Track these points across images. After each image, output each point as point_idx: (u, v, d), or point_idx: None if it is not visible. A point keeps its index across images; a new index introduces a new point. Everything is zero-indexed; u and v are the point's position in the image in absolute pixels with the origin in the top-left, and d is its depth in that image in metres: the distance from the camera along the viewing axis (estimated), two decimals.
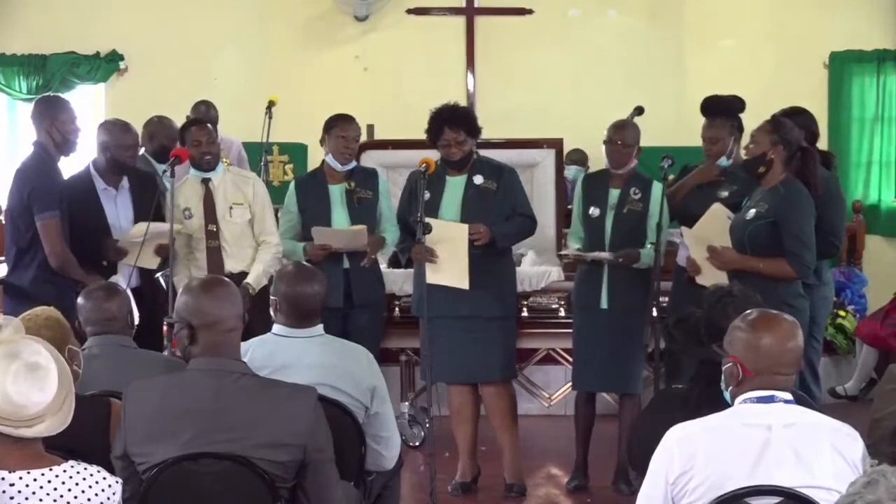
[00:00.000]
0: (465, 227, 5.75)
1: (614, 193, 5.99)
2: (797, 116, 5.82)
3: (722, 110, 5.94)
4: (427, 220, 5.48)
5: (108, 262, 5.85)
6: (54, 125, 5.66)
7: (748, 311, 3.22)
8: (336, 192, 6.07)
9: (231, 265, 6.03)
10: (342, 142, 6.02)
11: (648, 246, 5.89)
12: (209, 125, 6.20)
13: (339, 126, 6.04)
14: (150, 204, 5.72)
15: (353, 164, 6.13)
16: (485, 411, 6.10)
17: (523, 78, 9.41)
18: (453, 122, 5.88)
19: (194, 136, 6.06)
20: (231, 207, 6.07)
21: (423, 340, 5.53)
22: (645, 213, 5.95)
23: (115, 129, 5.95)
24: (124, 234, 5.85)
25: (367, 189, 6.09)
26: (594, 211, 5.99)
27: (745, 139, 5.68)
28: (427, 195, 5.79)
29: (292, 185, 6.26)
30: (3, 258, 7.55)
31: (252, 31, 9.51)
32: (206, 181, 6.09)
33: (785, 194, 5.34)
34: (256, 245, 6.10)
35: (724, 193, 5.86)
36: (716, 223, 5.58)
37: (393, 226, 6.09)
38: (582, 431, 6.15)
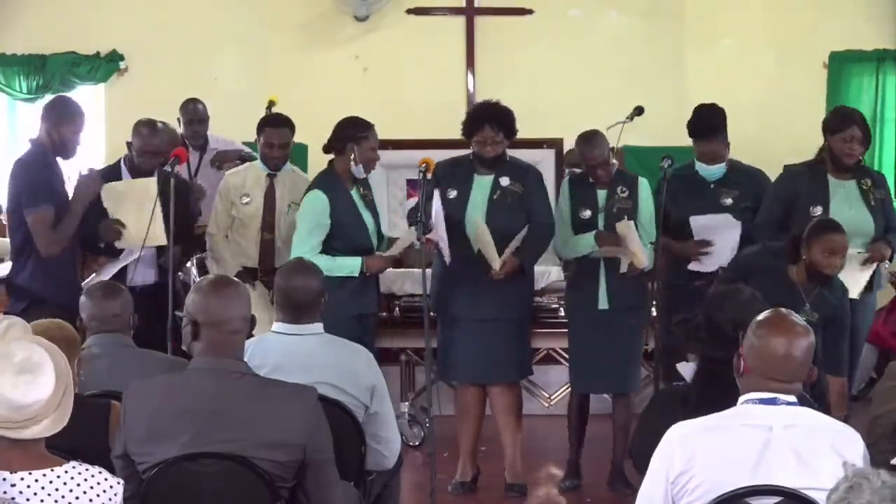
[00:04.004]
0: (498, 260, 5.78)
1: (602, 194, 6.01)
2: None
3: (720, 127, 5.99)
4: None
5: (105, 244, 5.79)
6: (57, 129, 5.64)
7: (772, 310, 3.20)
8: (356, 196, 5.96)
9: (278, 262, 6.06)
10: (372, 153, 5.88)
11: (647, 246, 5.90)
12: (286, 128, 6.27)
13: (369, 138, 5.85)
14: (176, 203, 5.60)
15: None
16: (489, 410, 6.11)
17: (523, 78, 9.39)
18: (496, 120, 5.87)
19: (269, 138, 6.19)
20: (290, 205, 6.17)
21: (437, 338, 5.54)
22: (634, 210, 5.96)
23: (142, 131, 5.92)
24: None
25: (368, 189, 6.10)
26: (585, 213, 5.99)
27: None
28: (454, 193, 5.83)
29: (322, 198, 5.77)
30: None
31: (252, 31, 9.49)
32: (271, 174, 6.23)
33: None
34: None
35: (728, 201, 5.91)
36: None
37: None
38: (576, 431, 6.16)
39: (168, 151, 5.91)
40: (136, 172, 5.93)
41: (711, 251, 5.91)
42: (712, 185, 6.00)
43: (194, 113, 7.16)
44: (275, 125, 6.29)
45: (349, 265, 5.71)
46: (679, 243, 5.99)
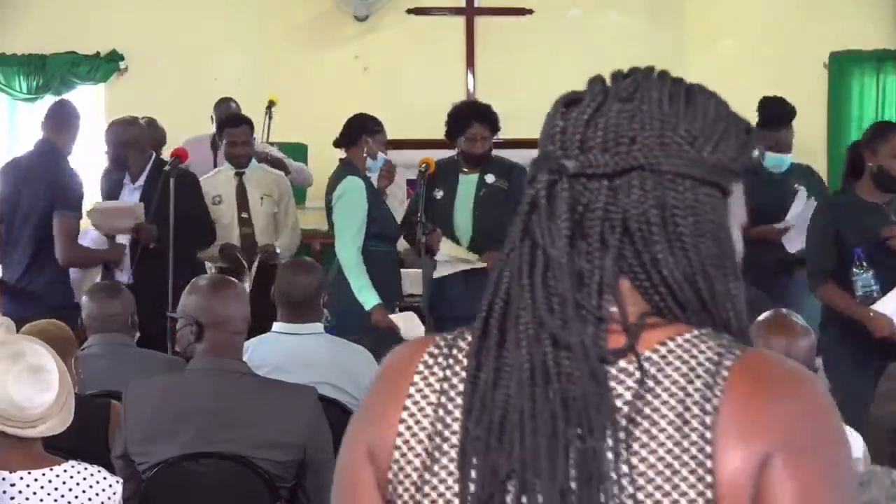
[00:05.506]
0: (477, 260, 5.72)
1: None
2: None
3: (792, 115, 5.99)
4: (445, 243, 5.63)
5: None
6: (75, 136, 5.78)
7: (773, 310, 3.22)
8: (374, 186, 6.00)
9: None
10: (383, 147, 5.91)
11: None
12: (245, 125, 6.37)
13: (382, 132, 5.89)
14: (157, 197, 5.63)
15: None
16: None
17: (523, 78, 9.40)
18: (482, 117, 5.88)
19: (230, 137, 6.27)
20: (262, 198, 6.27)
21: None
22: None
23: (110, 127, 6.00)
24: None
25: None
26: None
27: None
28: (440, 193, 5.82)
29: (359, 182, 5.67)
30: None
31: (252, 31, 9.50)
32: (239, 173, 6.30)
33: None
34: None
35: (802, 187, 5.85)
36: None
37: None
38: None
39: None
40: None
41: (792, 233, 5.76)
42: (777, 177, 5.92)
43: (225, 112, 7.17)
44: (233, 125, 6.40)
45: (366, 295, 5.46)
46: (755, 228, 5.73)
